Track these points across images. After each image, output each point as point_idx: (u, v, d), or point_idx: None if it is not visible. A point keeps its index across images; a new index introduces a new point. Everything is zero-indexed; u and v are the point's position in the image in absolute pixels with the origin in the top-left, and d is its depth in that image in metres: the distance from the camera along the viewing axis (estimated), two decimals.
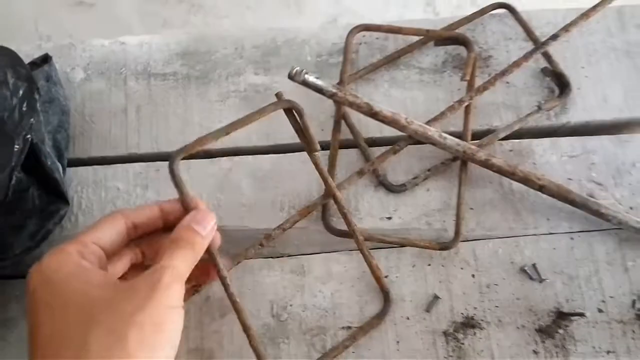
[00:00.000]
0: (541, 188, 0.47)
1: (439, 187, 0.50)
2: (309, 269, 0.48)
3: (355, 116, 0.51)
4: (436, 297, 0.47)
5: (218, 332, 0.45)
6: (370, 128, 0.51)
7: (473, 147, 0.47)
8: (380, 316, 0.46)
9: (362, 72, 0.53)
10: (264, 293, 0.47)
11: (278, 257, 0.48)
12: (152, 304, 0.31)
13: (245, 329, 0.40)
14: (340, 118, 0.51)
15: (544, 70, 0.53)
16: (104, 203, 0.49)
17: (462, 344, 0.46)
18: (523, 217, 0.49)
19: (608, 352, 0.45)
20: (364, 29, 0.53)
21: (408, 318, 0.46)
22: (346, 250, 0.48)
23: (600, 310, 0.47)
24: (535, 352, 0.45)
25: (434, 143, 0.48)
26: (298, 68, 0.45)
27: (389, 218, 0.49)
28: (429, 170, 0.49)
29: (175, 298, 0.32)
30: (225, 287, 0.39)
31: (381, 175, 0.49)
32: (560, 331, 0.46)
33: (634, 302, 0.47)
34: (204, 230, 0.36)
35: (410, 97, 0.53)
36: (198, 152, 0.40)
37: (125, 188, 0.49)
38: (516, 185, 0.49)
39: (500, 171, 0.47)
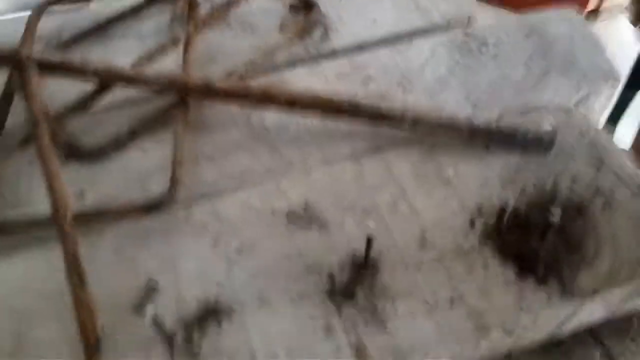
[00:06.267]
0: (292, 103, 0.32)
1: (161, 144, 0.34)
2: None
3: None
4: (152, 289, 0.28)
5: None
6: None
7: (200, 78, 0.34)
8: None
9: None
10: None
11: None
12: None
13: None
14: None
15: (291, 7, 0.43)
16: None
17: (199, 348, 0.26)
18: (283, 153, 0.34)
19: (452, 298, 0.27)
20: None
21: (111, 326, 0.26)
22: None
23: (422, 246, 0.29)
24: (327, 329, 0.26)
25: (147, 83, 0.33)
26: None
27: (81, 195, 0.32)
28: (138, 124, 0.34)
29: None
30: None
31: (66, 142, 0.33)
32: (364, 287, 0.28)
33: (472, 221, 0.30)
34: None
35: None
36: None
37: None
38: (271, 120, 0.35)
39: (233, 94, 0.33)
